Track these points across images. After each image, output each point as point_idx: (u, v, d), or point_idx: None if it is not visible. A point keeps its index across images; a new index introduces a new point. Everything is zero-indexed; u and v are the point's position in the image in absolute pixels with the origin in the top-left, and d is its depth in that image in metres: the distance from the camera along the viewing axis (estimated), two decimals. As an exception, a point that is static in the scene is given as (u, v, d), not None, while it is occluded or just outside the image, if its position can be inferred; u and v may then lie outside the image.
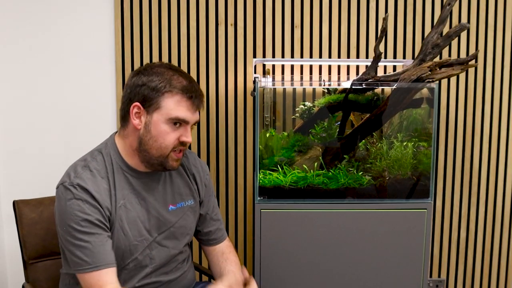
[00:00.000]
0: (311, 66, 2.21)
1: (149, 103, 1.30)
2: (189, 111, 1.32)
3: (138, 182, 1.37)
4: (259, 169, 1.86)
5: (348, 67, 2.21)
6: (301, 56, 2.20)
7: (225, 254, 1.56)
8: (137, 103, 1.31)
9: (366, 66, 1.92)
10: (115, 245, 1.32)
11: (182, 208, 1.46)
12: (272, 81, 2.17)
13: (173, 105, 1.30)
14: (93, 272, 1.26)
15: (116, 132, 1.43)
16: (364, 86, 1.87)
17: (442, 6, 1.83)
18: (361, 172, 1.90)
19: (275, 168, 1.91)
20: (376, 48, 1.80)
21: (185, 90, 1.31)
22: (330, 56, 2.20)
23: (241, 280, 1.46)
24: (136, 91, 1.31)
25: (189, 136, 1.34)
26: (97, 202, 1.28)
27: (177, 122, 1.32)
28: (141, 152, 1.35)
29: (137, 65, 2.17)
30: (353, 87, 1.89)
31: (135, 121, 1.32)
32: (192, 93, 1.33)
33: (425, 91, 1.87)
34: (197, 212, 1.52)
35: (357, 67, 2.22)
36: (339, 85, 2.15)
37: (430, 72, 1.77)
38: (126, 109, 1.34)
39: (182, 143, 1.34)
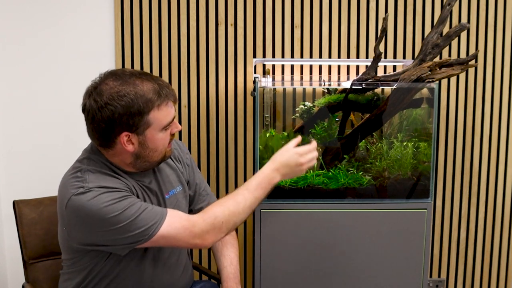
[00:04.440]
0: (311, 66, 2.21)
1: (136, 126, 1.25)
2: (172, 109, 1.30)
3: (136, 183, 1.37)
4: (259, 169, 1.86)
5: (348, 67, 2.21)
6: (301, 56, 2.20)
7: None
8: (125, 132, 1.25)
9: (366, 66, 1.92)
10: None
11: (175, 195, 1.46)
12: (272, 81, 2.17)
13: (160, 115, 1.27)
14: (163, 222, 1.23)
15: (92, 144, 1.36)
16: (364, 86, 1.87)
17: (442, 6, 1.83)
18: (361, 172, 1.90)
19: (275, 168, 1.91)
20: (376, 48, 1.80)
21: (159, 94, 1.26)
22: (330, 56, 2.20)
23: (236, 264, 1.51)
24: (116, 123, 1.23)
25: (178, 125, 1.34)
26: (121, 190, 1.26)
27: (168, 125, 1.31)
28: (139, 163, 1.33)
29: (137, 65, 2.17)
30: (353, 87, 1.89)
31: (128, 147, 1.27)
32: (164, 91, 1.27)
33: (425, 91, 1.87)
34: (187, 196, 1.52)
35: (357, 67, 2.22)
36: (339, 85, 2.15)
37: (430, 72, 1.77)
38: (107, 138, 1.27)
39: (173, 134, 1.35)
